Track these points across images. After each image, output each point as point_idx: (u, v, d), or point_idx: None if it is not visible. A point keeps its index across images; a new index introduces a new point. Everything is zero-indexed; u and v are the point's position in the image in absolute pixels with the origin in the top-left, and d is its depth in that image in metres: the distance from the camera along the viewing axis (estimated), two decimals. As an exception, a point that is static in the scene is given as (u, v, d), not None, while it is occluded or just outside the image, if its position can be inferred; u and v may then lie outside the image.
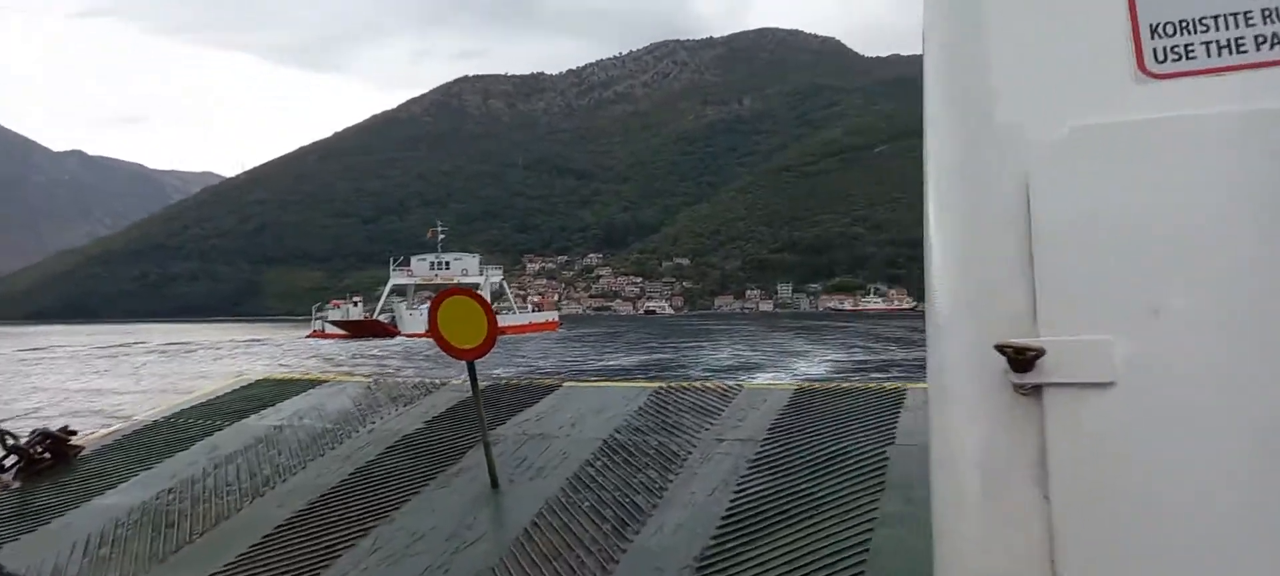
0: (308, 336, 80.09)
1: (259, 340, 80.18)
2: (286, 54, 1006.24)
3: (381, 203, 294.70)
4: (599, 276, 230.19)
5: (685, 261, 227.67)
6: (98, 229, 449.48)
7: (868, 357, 47.56)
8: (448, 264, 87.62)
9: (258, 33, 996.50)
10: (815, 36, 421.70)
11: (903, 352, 51.56)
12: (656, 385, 5.74)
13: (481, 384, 4.39)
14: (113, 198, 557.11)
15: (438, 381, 6.56)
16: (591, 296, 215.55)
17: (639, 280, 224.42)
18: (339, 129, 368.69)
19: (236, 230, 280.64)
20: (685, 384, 5.67)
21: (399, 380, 6.73)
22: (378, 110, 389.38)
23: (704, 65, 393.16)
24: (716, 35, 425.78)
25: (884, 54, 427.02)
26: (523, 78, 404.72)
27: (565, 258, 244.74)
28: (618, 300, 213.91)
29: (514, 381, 6.57)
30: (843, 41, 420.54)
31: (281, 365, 43.99)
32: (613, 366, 44.02)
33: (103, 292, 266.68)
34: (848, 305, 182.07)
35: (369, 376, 7.49)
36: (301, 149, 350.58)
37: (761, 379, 32.59)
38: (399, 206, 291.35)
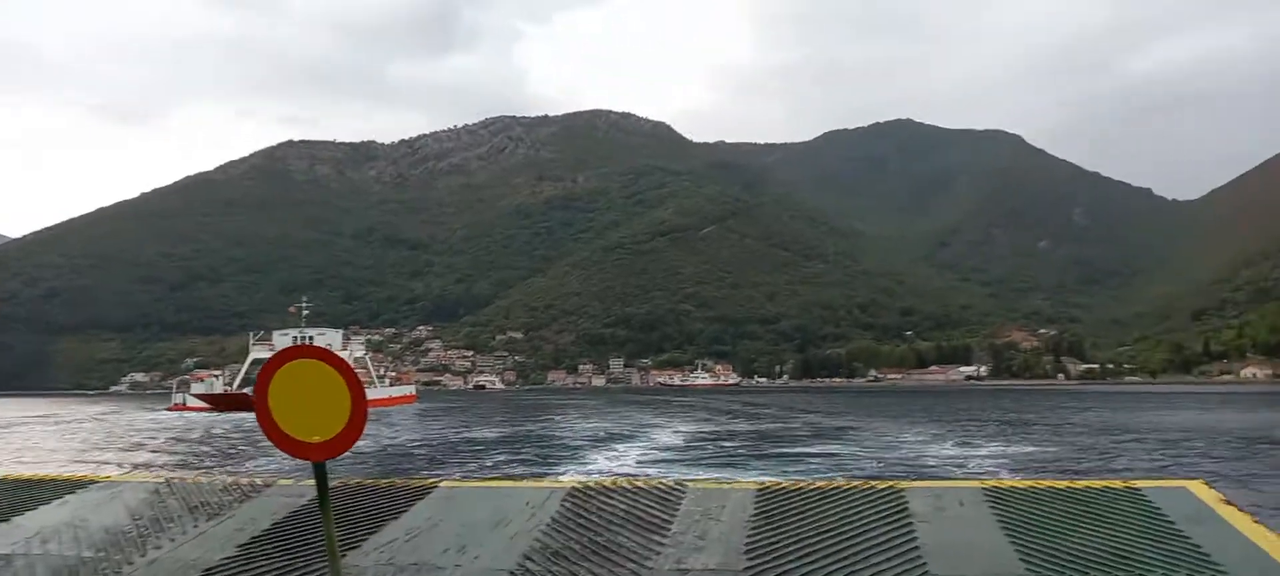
0: (168, 409, 75.98)
1: (51, 416, 73.90)
2: (92, 109, 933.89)
3: (192, 268, 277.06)
4: (428, 349, 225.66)
5: (519, 335, 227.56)
6: None
7: (717, 428, 50.66)
8: (311, 338, 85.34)
9: (59, 85, 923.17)
10: (647, 120, 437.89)
11: (747, 424, 54.99)
12: (571, 483, 4.58)
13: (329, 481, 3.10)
14: None
15: (262, 480, 5.03)
16: (419, 370, 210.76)
17: (470, 354, 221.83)
18: (148, 190, 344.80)
19: (21, 295, 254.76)
20: (607, 482, 4.52)
21: (207, 481, 5.02)
22: (194, 171, 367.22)
23: (540, 142, 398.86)
24: (552, 114, 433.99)
25: (711, 139, 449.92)
26: (353, 145, 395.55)
27: (393, 330, 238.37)
28: (447, 374, 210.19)
29: (372, 480, 5.13)
30: (672, 126, 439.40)
31: (95, 449, 41.23)
32: (478, 439, 44.45)
33: None
34: (677, 380, 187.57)
35: (164, 473, 4.99)
36: (102, 210, 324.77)
37: (636, 453, 34.41)
38: (212, 273, 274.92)
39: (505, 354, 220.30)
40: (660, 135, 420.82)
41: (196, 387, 78.78)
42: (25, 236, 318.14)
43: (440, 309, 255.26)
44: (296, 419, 2.80)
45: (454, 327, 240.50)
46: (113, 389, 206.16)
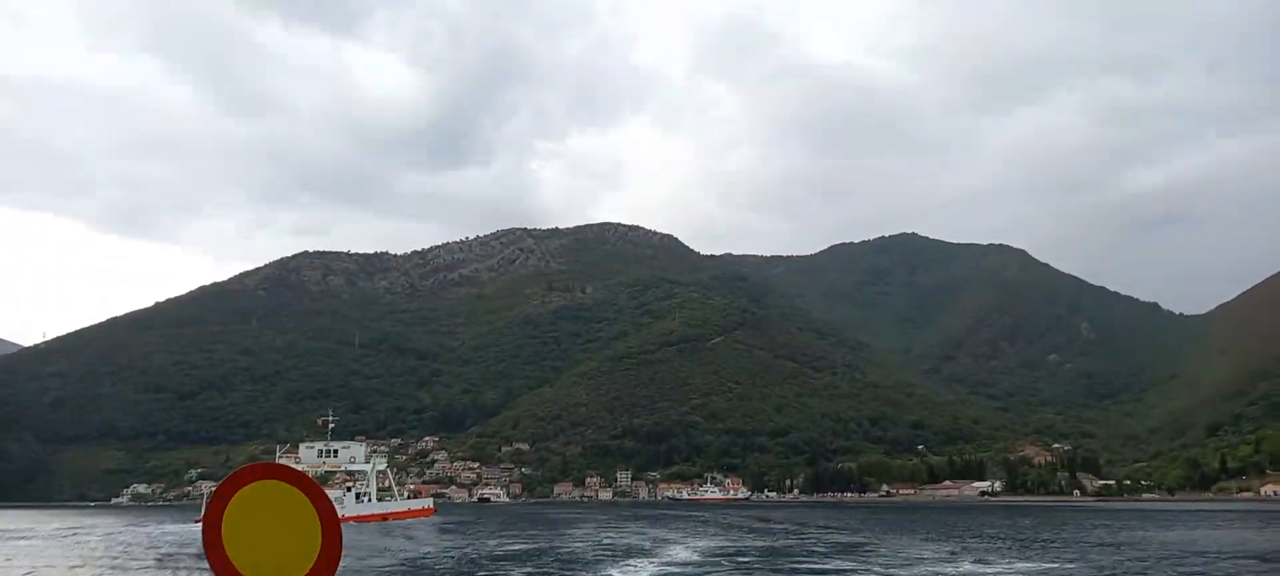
0: (196, 521, 75.30)
1: (24, 531, 73.23)
2: (106, 220, 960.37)
3: (203, 378, 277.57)
4: (434, 461, 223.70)
5: (525, 446, 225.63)
6: None
7: (730, 543, 50.44)
8: (335, 451, 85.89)
9: (74, 196, 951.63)
10: (655, 232, 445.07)
11: (761, 540, 54.57)
12: None
13: None
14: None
15: None
16: (424, 482, 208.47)
17: (476, 465, 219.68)
18: (161, 300, 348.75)
19: (28, 405, 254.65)
20: None
21: None
22: (208, 282, 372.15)
23: (550, 253, 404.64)
24: (563, 226, 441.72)
25: (717, 252, 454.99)
26: (366, 256, 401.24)
27: (399, 440, 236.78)
28: (453, 486, 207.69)
29: None
30: (679, 238, 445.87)
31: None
32: (499, 554, 44.36)
33: None
34: (686, 494, 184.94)
35: None
36: (114, 319, 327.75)
37: (653, 569, 34.63)
38: (222, 382, 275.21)
39: (511, 465, 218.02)
40: (668, 247, 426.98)
41: None
42: (37, 344, 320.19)
43: (447, 419, 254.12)
44: (255, 553, 2.30)
45: (461, 438, 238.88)
46: (114, 500, 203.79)
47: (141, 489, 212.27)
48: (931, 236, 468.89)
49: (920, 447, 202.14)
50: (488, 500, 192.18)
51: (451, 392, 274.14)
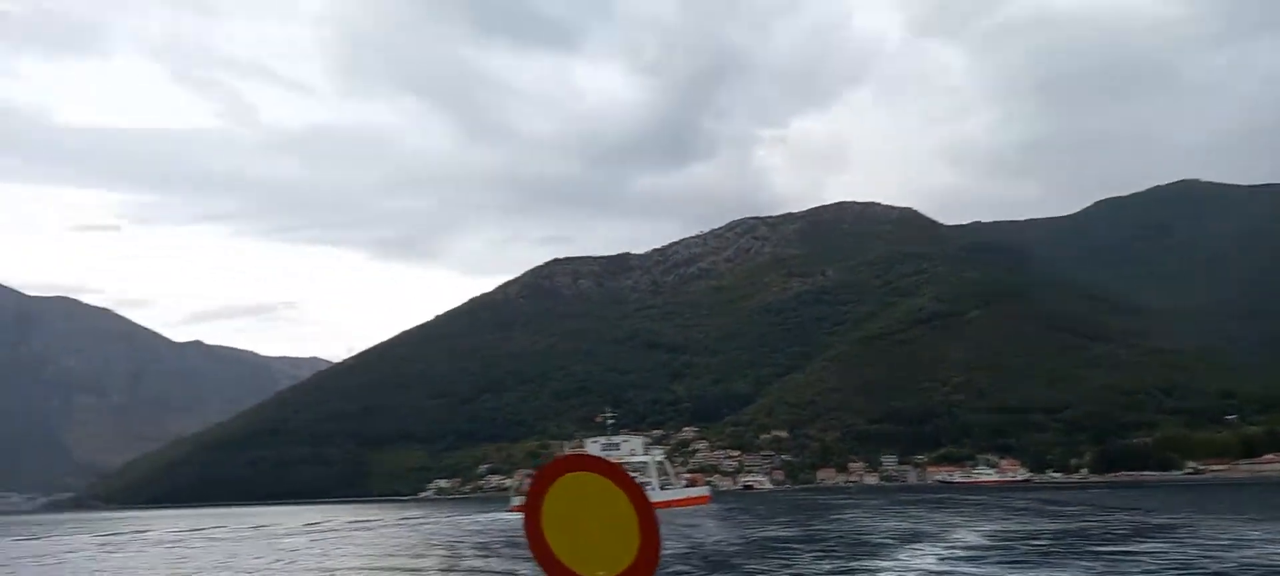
0: (509, 509, 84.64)
1: (374, 521, 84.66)
2: (386, 247, 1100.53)
3: (479, 382, 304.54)
4: (696, 450, 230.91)
5: (783, 434, 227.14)
6: (212, 416, 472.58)
7: (1019, 527, 49.21)
8: (617, 445, 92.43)
9: (358, 229, 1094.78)
10: (892, 208, 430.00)
11: (1052, 522, 52.80)
12: None
13: None
14: (228, 385, 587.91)
15: None
16: (688, 471, 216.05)
17: (736, 453, 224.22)
18: (438, 313, 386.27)
19: (343, 413, 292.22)
20: None
21: None
22: (473, 294, 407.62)
23: (785, 239, 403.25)
24: (795, 210, 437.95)
25: (963, 221, 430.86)
26: (610, 258, 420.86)
27: (661, 432, 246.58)
28: (716, 475, 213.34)
29: None
30: (920, 211, 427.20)
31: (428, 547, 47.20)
32: (779, 538, 46.65)
33: (216, 477, 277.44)
34: (958, 477, 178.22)
35: None
36: (403, 333, 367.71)
37: (940, 551, 34.91)
38: (496, 385, 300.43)
39: (771, 452, 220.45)
40: (908, 221, 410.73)
41: None
42: (345, 360, 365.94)
43: (702, 409, 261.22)
44: (575, 545, 2.34)
45: (718, 428, 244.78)
46: (421, 494, 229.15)
47: (443, 484, 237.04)
48: (1215, 181, 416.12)
49: (1230, 417, 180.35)
50: (751, 487, 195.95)
51: (703, 383, 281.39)
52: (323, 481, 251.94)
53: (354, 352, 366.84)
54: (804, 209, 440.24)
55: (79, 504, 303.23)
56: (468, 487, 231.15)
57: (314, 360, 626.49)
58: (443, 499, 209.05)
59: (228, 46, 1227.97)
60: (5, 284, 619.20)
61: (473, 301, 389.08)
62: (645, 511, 2.28)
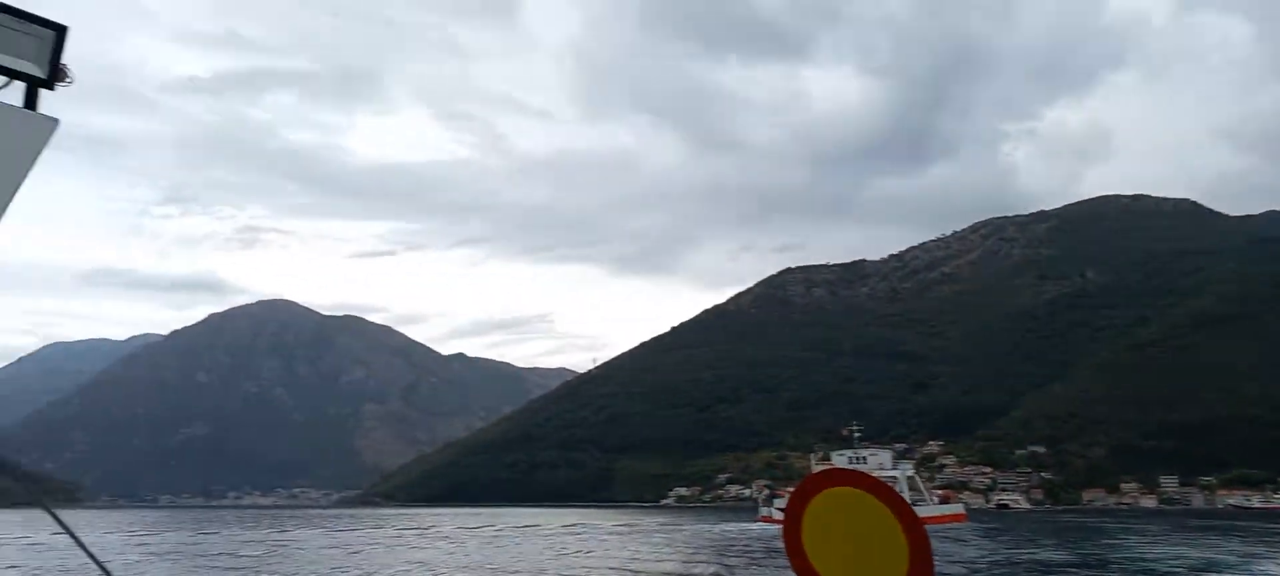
0: (758, 520, 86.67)
1: (631, 525, 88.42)
2: (625, 262, 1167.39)
3: (715, 392, 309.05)
4: (942, 465, 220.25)
5: (1041, 449, 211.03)
6: (474, 422, 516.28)
7: None
8: (864, 459, 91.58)
9: (600, 246, 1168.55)
10: (1166, 199, 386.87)
11: None
12: None
13: None
14: (487, 393, 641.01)
15: None
16: (935, 487, 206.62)
17: (988, 469, 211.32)
18: (674, 324, 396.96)
19: (590, 421, 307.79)
20: None
21: None
22: (707, 305, 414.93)
23: (1036, 239, 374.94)
24: (1048, 207, 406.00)
25: (1252, 211, 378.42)
26: (844, 265, 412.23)
27: (903, 445, 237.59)
28: (965, 492, 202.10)
29: None
30: (1199, 202, 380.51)
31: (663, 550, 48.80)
32: (1052, 563, 44.25)
33: (479, 479, 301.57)
34: (1256, 502, 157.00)
35: None
36: (642, 344, 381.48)
37: None
38: (732, 395, 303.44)
39: (1028, 470, 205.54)
40: (1184, 213, 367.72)
41: (778, 503, 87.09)
42: (589, 371, 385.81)
43: (948, 422, 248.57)
44: (838, 561, 2.23)
45: (966, 442, 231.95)
46: (662, 502, 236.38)
47: (683, 491, 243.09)
48: None
49: None
50: (1006, 506, 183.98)
51: (948, 394, 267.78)
52: (571, 485, 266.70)
53: (598, 363, 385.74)
54: (1058, 205, 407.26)
55: (365, 501, 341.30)
56: (707, 496, 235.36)
57: (561, 370, 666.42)
58: (683, 506, 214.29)
59: (481, 84, 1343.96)
60: (305, 305, 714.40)
61: (707, 312, 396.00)
62: (915, 530, 2.16)
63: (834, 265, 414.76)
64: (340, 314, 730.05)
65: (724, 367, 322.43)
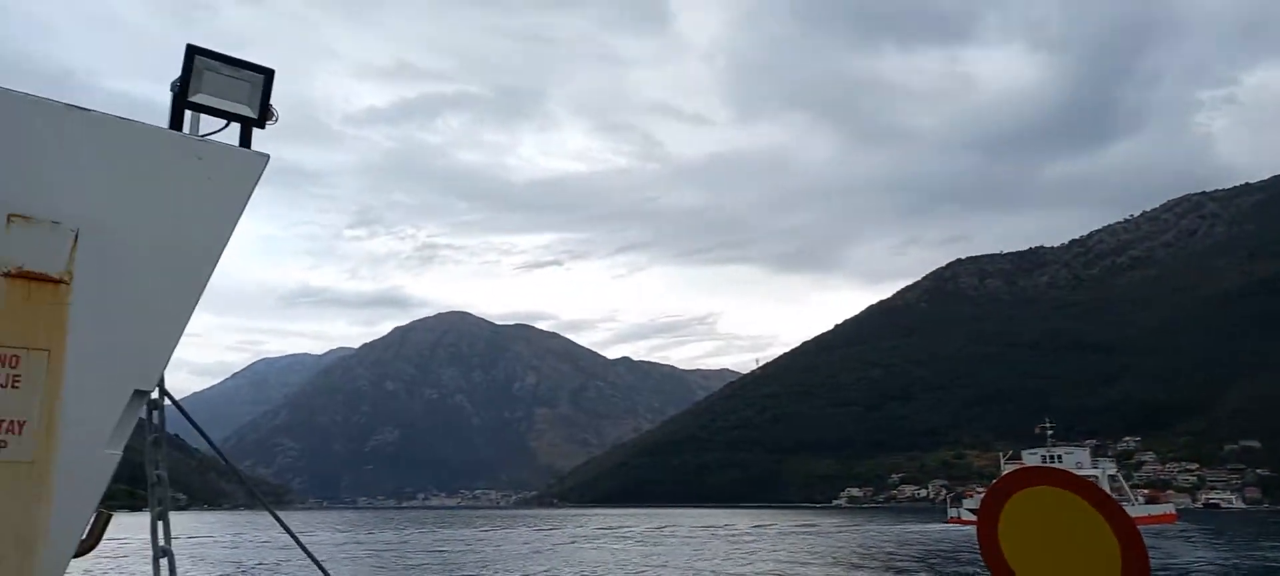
0: (947, 521, 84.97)
1: (810, 525, 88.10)
2: (785, 261, 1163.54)
3: (883, 390, 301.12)
4: (1141, 463, 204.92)
5: (1255, 444, 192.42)
6: (641, 424, 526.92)
7: None
8: (1059, 457, 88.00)
9: (758, 246, 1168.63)
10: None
11: None
12: None
13: None
14: (653, 396, 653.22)
15: None
16: (1137, 487, 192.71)
17: (1193, 466, 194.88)
18: (838, 322, 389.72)
19: (755, 422, 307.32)
20: None
21: None
22: (870, 302, 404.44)
23: (1241, 215, 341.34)
24: (1253, 180, 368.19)
25: None
26: (1019, 254, 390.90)
27: (1094, 442, 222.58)
28: (1168, 491, 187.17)
29: None
30: None
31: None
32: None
33: (646, 480, 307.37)
34: None
35: None
36: (805, 343, 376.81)
37: None
38: (902, 392, 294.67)
39: (1241, 466, 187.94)
40: None
41: (967, 503, 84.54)
42: (752, 372, 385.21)
43: (1145, 417, 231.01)
44: (1041, 565, 2.10)
45: (1165, 437, 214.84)
46: (834, 502, 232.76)
47: (855, 492, 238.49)
48: None
49: None
50: (1217, 506, 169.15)
51: (1143, 387, 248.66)
52: (738, 486, 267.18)
53: (761, 363, 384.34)
54: (1265, 177, 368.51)
55: (541, 501, 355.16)
56: (880, 497, 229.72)
57: (724, 372, 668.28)
58: (856, 507, 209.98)
59: (637, 93, 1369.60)
60: (479, 316, 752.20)
61: (872, 308, 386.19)
62: (1129, 533, 2.00)
63: (1008, 254, 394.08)
64: (511, 322, 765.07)
65: (892, 364, 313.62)
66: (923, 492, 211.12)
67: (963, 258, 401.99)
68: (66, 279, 2.72)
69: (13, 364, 2.62)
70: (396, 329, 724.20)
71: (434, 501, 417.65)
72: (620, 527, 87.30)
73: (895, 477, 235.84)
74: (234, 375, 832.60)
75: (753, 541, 63.65)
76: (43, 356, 2.67)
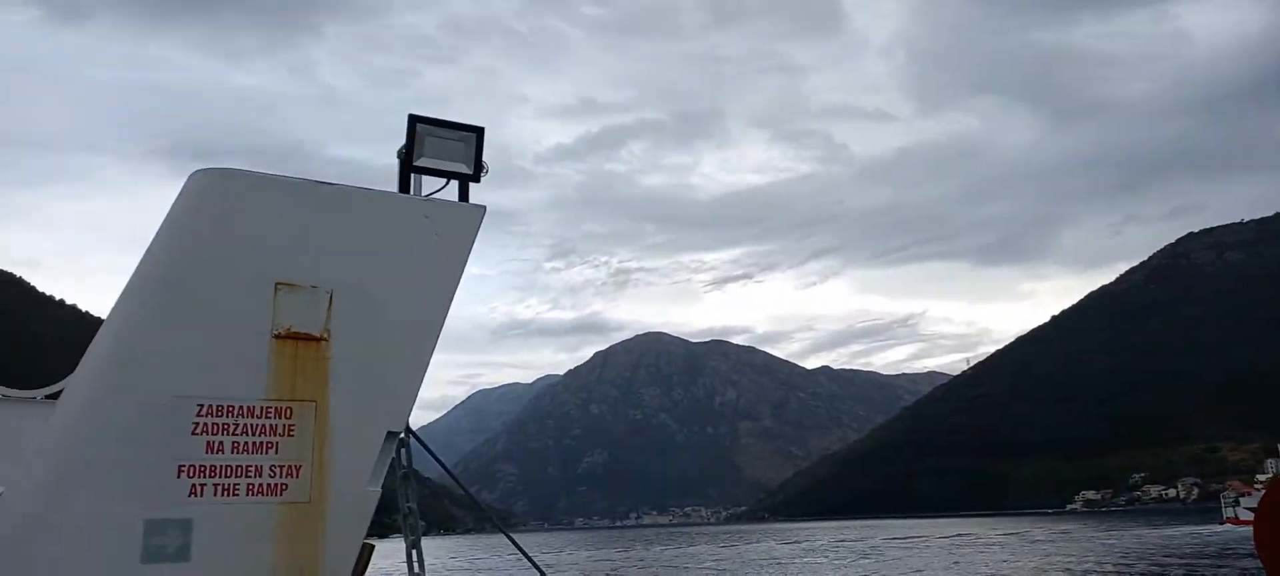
0: (1222, 521, 78.31)
1: (1065, 533, 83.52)
2: (987, 253, 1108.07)
3: (1110, 382, 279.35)
4: None
5: None
6: (848, 434, 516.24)
7: None
8: None
9: (956, 240, 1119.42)
10: None
11: None
12: None
13: None
14: (856, 404, 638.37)
15: None
16: None
17: None
18: (1054, 313, 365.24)
19: (969, 425, 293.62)
20: None
21: None
22: (1089, 288, 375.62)
23: None
24: None
25: None
26: (1262, 221, 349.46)
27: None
28: None
29: None
30: None
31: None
32: None
33: (859, 491, 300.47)
34: None
35: None
36: (1019, 338, 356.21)
37: None
38: (1132, 385, 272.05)
39: None
40: None
41: (1246, 502, 75.21)
42: (961, 374, 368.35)
43: None
44: None
45: None
46: (1068, 507, 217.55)
47: (1091, 495, 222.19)
48: None
49: None
50: None
51: None
52: (954, 494, 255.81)
53: (972, 364, 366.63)
54: None
55: (752, 516, 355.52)
56: (1121, 499, 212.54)
57: (932, 374, 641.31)
58: (1095, 511, 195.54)
59: (815, 97, 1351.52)
60: (676, 334, 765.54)
61: (1092, 296, 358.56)
62: None
63: (1248, 222, 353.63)
64: (707, 339, 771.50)
65: (1120, 354, 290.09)
66: (1170, 492, 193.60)
67: (1195, 231, 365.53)
68: (325, 336, 3.18)
69: (287, 415, 3.13)
70: (597, 353, 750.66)
71: (647, 520, 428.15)
72: (860, 540, 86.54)
73: (1137, 477, 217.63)
74: (454, 408, 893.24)
75: (1013, 549, 61.04)
76: (310, 407, 3.16)
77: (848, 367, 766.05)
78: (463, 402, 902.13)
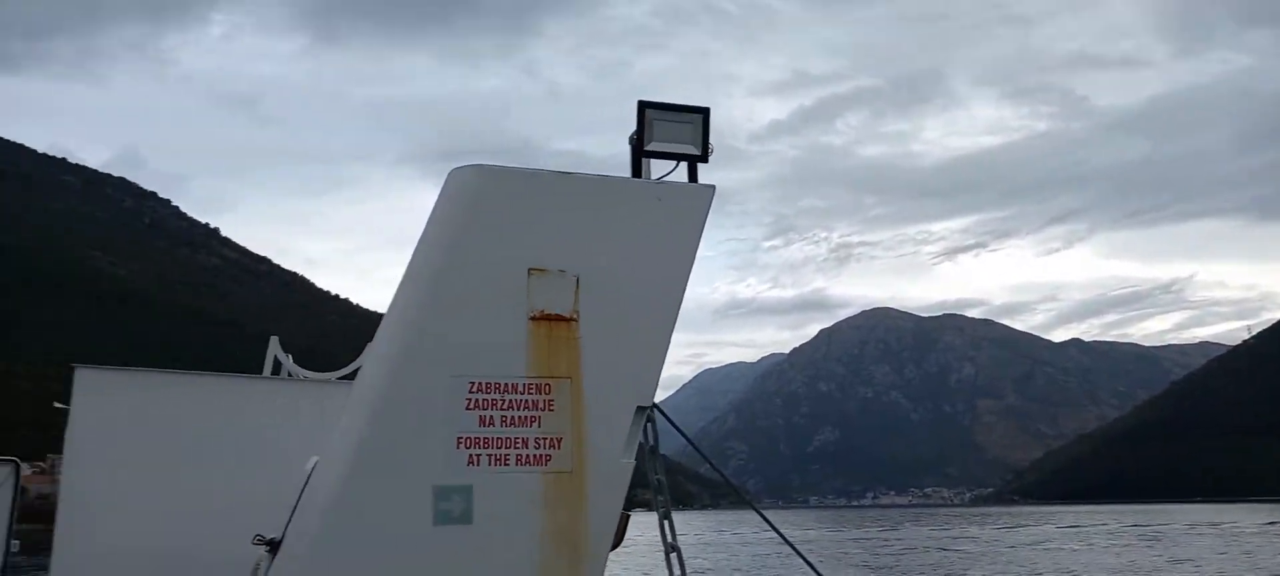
0: None
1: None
2: (1266, 206, 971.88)
3: None
4: None
5: None
6: (1106, 411, 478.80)
7: None
8: None
9: (1224, 194, 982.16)
10: None
11: None
12: None
13: None
14: (1115, 378, 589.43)
15: None
16: None
17: None
18: None
19: (1255, 400, 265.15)
20: None
21: None
22: None
23: None
24: None
25: None
26: None
27: None
28: None
29: None
30: None
31: None
32: None
33: (1120, 473, 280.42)
34: None
35: None
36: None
37: None
38: None
39: None
40: None
41: None
42: (1243, 342, 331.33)
43: None
44: None
45: None
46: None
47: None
48: None
49: None
50: None
51: None
52: (1236, 478, 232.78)
53: (1254, 331, 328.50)
54: None
55: (1000, 498, 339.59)
56: None
57: (1205, 344, 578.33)
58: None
59: (1049, 48, 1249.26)
60: (903, 309, 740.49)
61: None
62: None
63: None
64: (938, 313, 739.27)
65: None
66: None
67: None
68: (575, 317, 3.59)
69: (546, 391, 3.55)
70: (822, 331, 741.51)
71: (885, 500, 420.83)
72: (1150, 525, 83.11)
73: None
74: (683, 387, 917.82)
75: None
76: (566, 383, 3.57)
77: (1102, 339, 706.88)
78: (691, 381, 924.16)
